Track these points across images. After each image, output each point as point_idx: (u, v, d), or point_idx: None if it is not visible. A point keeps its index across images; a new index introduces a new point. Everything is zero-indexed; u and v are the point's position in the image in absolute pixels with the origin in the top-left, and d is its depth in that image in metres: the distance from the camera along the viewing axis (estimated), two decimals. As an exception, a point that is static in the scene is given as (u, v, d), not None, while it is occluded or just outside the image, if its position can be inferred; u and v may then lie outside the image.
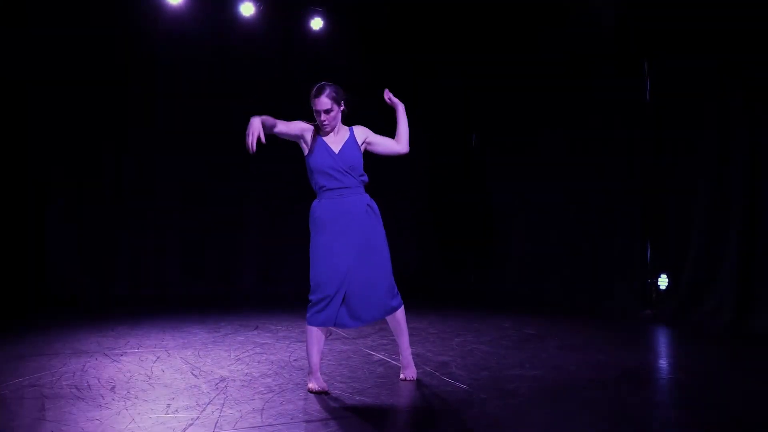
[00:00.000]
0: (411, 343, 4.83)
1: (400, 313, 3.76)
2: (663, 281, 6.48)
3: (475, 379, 3.89)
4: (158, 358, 4.43)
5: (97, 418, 3.09)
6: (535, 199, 7.76)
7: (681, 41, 6.18)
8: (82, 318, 6.11)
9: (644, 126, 6.63)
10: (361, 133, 3.90)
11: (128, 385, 3.69)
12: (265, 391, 3.57)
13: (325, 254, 3.55)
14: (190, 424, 3.00)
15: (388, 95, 4.07)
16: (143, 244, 7.61)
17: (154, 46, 7.54)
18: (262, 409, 3.24)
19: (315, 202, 3.71)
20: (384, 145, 3.95)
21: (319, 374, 3.61)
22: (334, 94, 3.70)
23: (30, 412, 3.19)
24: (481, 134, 8.66)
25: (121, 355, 4.50)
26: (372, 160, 4.01)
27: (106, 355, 4.51)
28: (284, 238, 8.06)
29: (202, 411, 3.20)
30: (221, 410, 3.22)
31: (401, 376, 3.87)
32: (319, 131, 3.72)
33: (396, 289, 3.74)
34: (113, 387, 3.65)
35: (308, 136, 3.71)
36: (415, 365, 3.98)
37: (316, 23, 8.01)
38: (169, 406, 3.30)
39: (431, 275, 8.59)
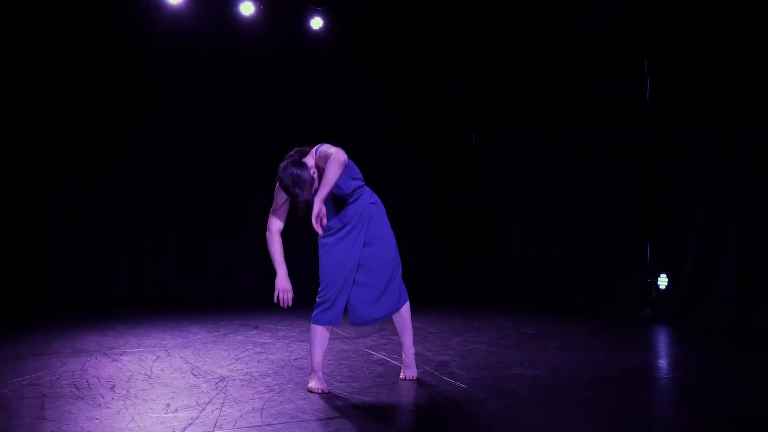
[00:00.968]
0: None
1: (406, 309, 3.76)
2: (663, 281, 6.48)
3: (475, 378, 3.89)
4: (158, 357, 4.43)
5: (97, 417, 3.09)
6: (535, 199, 7.76)
7: (681, 41, 6.19)
8: (81, 317, 6.10)
9: (644, 126, 6.64)
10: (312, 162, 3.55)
11: (128, 385, 3.69)
12: (264, 391, 3.57)
13: (331, 254, 3.56)
14: (190, 424, 3.00)
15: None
16: (143, 243, 7.61)
17: (154, 45, 7.54)
18: (262, 408, 3.24)
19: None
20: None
21: (320, 374, 3.61)
22: (299, 182, 3.43)
23: (30, 411, 3.19)
24: (481, 134, 8.67)
25: (121, 355, 4.50)
26: (372, 160, 4.01)
27: (106, 354, 4.51)
28: (284, 237, 8.05)
29: (201, 410, 3.20)
30: (221, 409, 3.22)
31: (401, 375, 3.87)
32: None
33: (403, 287, 3.75)
34: (113, 386, 3.65)
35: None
36: (416, 365, 3.98)
37: (316, 23, 8.01)
38: (168, 405, 3.29)
39: (431, 275, 8.58)
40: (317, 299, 3.57)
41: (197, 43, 7.69)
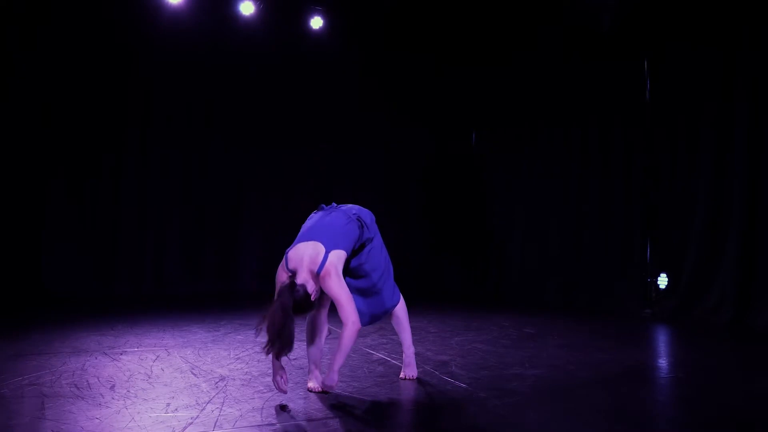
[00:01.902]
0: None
1: (400, 309, 3.76)
2: (663, 280, 6.48)
3: (475, 378, 3.89)
4: (158, 357, 4.43)
5: (97, 416, 3.08)
6: (536, 198, 7.76)
7: (682, 39, 6.19)
8: (81, 317, 6.10)
9: (644, 125, 6.63)
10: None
11: (128, 384, 3.69)
12: (264, 390, 3.57)
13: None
14: (190, 423, 3.00)
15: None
16: (143, 242, 7.61)
17: (154, 44, 7.53)
18: (262, 407, 3.24)
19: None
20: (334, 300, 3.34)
21: (318, 373, 3.61)
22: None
23: (29, 410, 3.19)
24: (482, 134, 8.67)
25: (121, 354, 4.50)
26: (372, 164, 3.99)
27: (106, 354, 4.51)
28: (284, 236, 8.07)
29: (201, 410, 3.19)
30: (221, 409, 3.21)
31: (401, 374, 3.87)
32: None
33: (395, 288, 3.74)
34: (113, 386, 3.65)
35: None
36: (416, 364, 3.97)
37: (316, 22, 8.00)
38: (168, 404, 3.29)
39: (431, 274, 8.59)
40: None
41: (197, 41, 7.69)
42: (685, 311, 6.04)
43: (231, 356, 4.47)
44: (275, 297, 3.19)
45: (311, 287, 3.27)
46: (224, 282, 7.91)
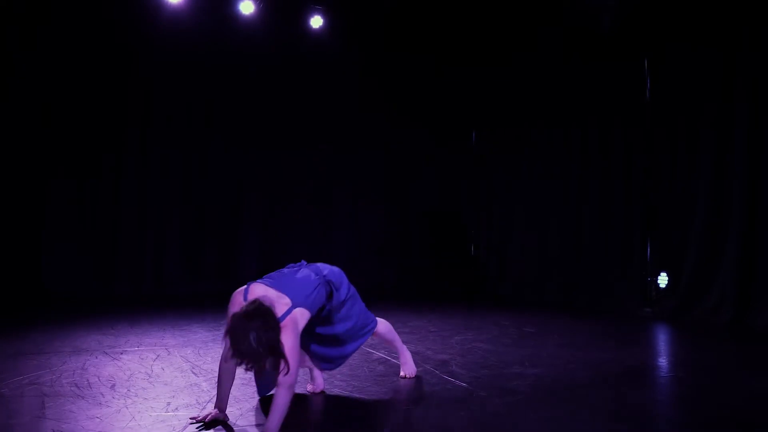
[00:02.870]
0: (410, 342, 4.84)
1: (382, 329, 3.75)
2: (663, 279, 6.49)
3: (475, 377, 3.89)
4: (158, 356, 4.43)
5: (98, 416, 3.09)
6: (536, 198, 7.76)
7: (682, 39, 6.20)
8: (82, 316, 6.10)
9: (644, 125, 6.64)
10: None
11: (128, 383, 3.69)
12: (265, 389, 3.57)
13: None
14: (190, 423, 3.00)
15: None
16: (143, 242, 7.62)
17: (154, 44, 7.53)
18: (262, 407, 3.24)
19: None
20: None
21: (316, 373, 3.60)
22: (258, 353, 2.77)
23: (30, 410, 3.19)
24: (482, 134, 8.67)
25: (121, 354, 4.50)
26: (372, 165, 3.98)
27: (106, 353, 4.51)
28: (284, 235, 8.09)
29: (202, 409, 3.20)
30: (221, 408, 3.21)
31: (401, 373, 3.88)
32: None
33: (367, 317, 3.62)
34: (113, 385, 3.65)
35: None
36: (415, 363, 3.98)
37: (316, 21, 8.00)
38: (169, 404, 3.30)
39: (431, 274, 8.58)
40: None
41: (196, 41, 7.68)
42: (685, 311, 6.05)
43: (231, 356, 4.47)
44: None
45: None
46: (224, 282, 7.88)
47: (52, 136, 7.10)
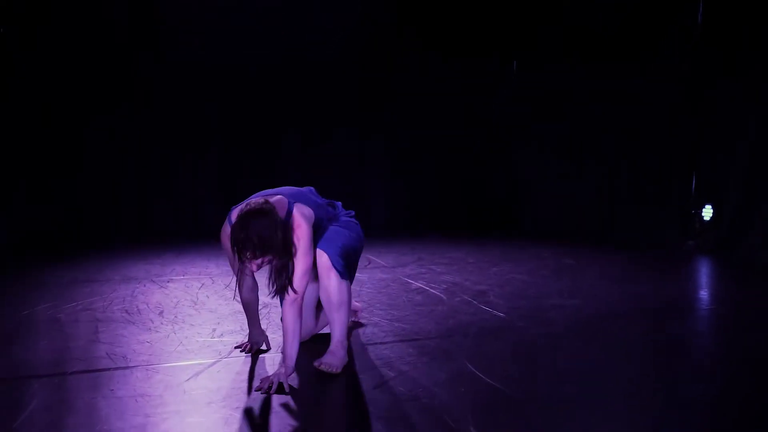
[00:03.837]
0: (448, 273, 4.86)
1: (339, 289, 2.86)
2: (708, 212, 6.34)
3: (514, 307, 3.92)
4: (203, 284, 4.57)
5: (147, 340, 3.23)
6: (577, 128, 7.57)
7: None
8: (129, 247, 6.30)
9: (693, 56, 6.37)
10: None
11: (175, 310, 3.83)
12: (306, 317, 3.66)
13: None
14: (236, 347, 3.12)
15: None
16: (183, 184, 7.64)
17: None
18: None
19: None
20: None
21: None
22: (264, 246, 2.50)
23: (85, 334, 3.35)
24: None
25: (168, 282, 4.66)
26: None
27: (154, 281, 4.68)
28: (321, 161, 7.92)
29: (246, 335, 3.31)
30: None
31: (316, 362, 2.79)
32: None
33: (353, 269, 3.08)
34: (161, 312, 3.80)
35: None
36: (453, 293, 4.00)
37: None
38: (214, 330, 3.42)
39: (469, 205, 8.52)
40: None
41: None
42: (729, 244, 5.92)
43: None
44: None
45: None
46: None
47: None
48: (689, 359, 3.12)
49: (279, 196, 2.75)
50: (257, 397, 2.51)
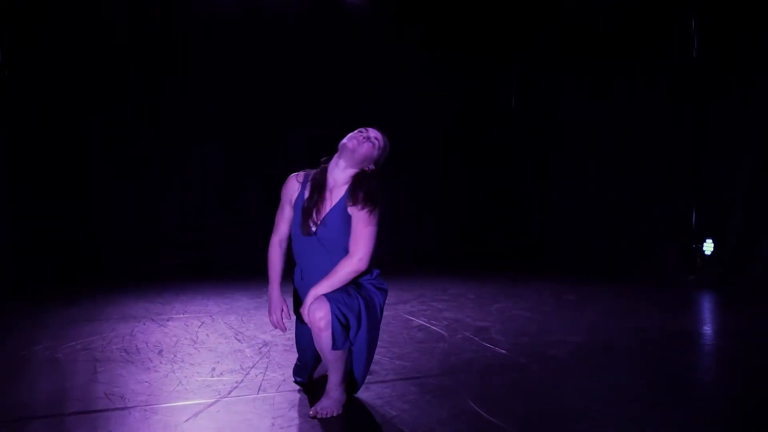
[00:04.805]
0: (449, 309, 4.84)
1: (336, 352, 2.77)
2: (708, 246, 6.34)
3: (515, 344, 3.89)
4: (203, 323, 4.55)
5: (146, 380, 3.20)
6: (579, 164, 7.61)
7: None
8: (130, 284, 6.28)
9: (691, 88, 6.43)
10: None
11: (175, 349, 3.80)
12: (306, 356, 3.63)
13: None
14: (235, 387, 3.09)
15: None
16: (186, 218, 7.63)
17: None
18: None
19: None
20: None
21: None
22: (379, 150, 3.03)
23: (83, 374, 3.32)
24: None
25: (168, 320, 4.63)
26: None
27: (153, 320, 4.65)
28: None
29: (246, 374, 3.28)
30: (264, 374, 3.30)
31: (311, 411, 2.71)
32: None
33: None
34: (161, 351, 3.77)
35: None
36: (454, 330, 3.98)
37: None
38: (214, 369, 3.39)
39: (467, 242, 8.51)
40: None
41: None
42: (730, 278, 5.90)
43: (273, 322, 4.55)
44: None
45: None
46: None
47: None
48: (692, 394, 3.09)
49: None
50: (257, 438, 2.47)
